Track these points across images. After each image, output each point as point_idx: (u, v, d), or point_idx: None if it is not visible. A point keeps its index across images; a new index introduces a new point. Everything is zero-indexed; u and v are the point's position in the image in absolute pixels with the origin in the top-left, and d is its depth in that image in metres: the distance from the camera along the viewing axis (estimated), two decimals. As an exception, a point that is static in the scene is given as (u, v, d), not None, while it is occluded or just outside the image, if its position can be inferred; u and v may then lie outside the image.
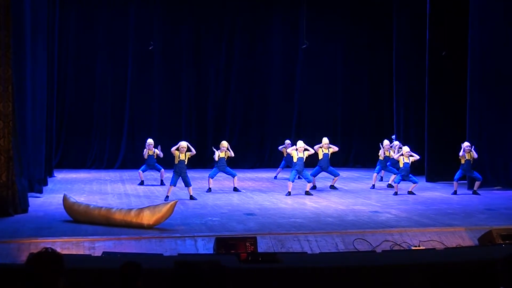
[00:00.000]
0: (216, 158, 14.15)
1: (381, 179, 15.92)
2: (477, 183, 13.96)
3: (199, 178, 16.38)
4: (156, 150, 15.08)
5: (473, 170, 13.97)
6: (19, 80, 11.40)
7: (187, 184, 12.86)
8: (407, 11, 18.06)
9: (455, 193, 13.88)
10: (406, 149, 14.09)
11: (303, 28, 19.21)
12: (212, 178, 14.14)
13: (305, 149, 13.73)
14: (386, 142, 15.50)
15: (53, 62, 16.01)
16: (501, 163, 15.10)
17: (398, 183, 13.88)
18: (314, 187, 14.37)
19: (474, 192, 13.90)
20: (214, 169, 14.30)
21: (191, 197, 12.71)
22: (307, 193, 13.49)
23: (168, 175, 16.32)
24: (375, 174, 15.22)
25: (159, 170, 15.33)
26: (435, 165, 16.20)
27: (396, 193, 13.68)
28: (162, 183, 15.15)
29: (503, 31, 14.93)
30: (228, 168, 14.31)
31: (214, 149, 14.35)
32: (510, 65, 14.91)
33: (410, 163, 13.93)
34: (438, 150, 16.07)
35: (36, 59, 13.14)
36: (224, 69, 20.23)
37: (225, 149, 14.17)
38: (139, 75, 19.64)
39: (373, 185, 15.02)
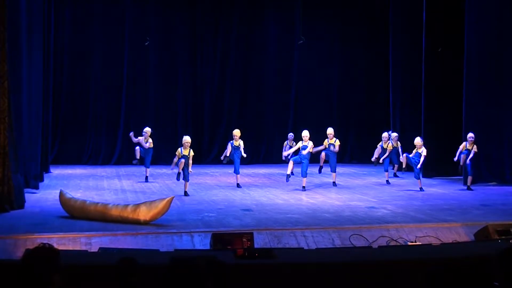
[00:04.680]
0: (230, 148, 13.98)
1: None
2: (469, 178, 14.03)
3: (195, 174, 16.37)
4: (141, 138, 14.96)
5: (469, 161, 13.98)
6: (14, 76, 11.37)
7: (185, 178, 12.83)
8: (403, 6, 18.04)
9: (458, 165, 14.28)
10: (418, 140, 14.07)
11: (299, 24, 19.19)
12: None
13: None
14: (385, 134, 15.55)
15: (49, 57, 15.97)
16: (496, 159, 15.13)
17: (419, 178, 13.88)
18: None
19: (468, 188, 13.94)
20: (235, 160, 14.02)
21: (185, 193, 12.69)
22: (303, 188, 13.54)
23: (158, 170, 16.34)
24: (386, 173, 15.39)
25: (147, 166, 15.13)
26: (431, 161, 16.20)
27: (421, 189, 13.75)
28: (146, 180, 15.03)
29: (499, 27, 14.95)
30: (239, 161, 14.10)
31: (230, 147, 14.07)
32: (506, 61, 14.95)
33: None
34: (435, 146, 16.06)
35: (32, 55, 13.10)
36: (220, 65, 20.21)
37: (238, 137, 14.06)
38: (135, 71, 19.61)
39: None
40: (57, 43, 18.26)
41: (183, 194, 12.66)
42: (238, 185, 14.08)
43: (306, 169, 13.61)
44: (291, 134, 17.09)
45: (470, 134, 14.00)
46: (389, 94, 18.86)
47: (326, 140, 14.42)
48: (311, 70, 20.79)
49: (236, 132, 14.20)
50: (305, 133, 13.71)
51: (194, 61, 20.04)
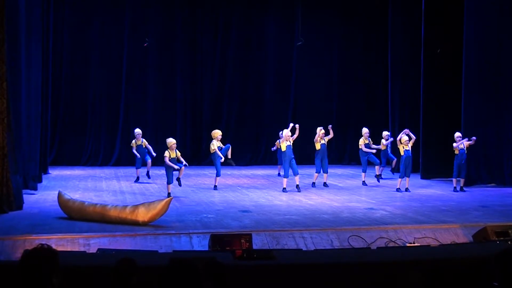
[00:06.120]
0: (215, 148, 13.79)
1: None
2: (462, 180, 13.98)
3: (194, 175, 16.40)
4: (145, 142, 14.98)
5: (464, 164, 13.91)
6: (13, 77, 11.36)
7: (170, 181, 12.85)
8: (403, 7, 18.06)
9: (455, 189, 13.94)
10: (405, 138, 14.01)
11: (298, 25, 19.21)
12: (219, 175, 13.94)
13: (293, 130, 13.67)
14: (365, 130, 15.40)
15: (47, 58, 15.96)
16: (495, 160, 15.14)
17: (403, 178, 13.84)
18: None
19: (461, 189, 13.93)
20: (216, 164, 13.84)
21: (178, 180, 12.86)
22: (297, 187, 13.58)
23: (156, 171, 16.33)
24: (377, 167, 15.38)
25: (146, 161, 15.01)
26: (430, 163, 16.24)
27: (398, 189, 13.77)
28: (148, 175, 15.01)
29: (498, 28, 14.97)
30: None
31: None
32: (504, 62, 14.96)
33: (410, 149, 13.84)
34: (433, 148, 16.10)
35: (31, 56, 13.10)
36: (220, 66, 20.21)
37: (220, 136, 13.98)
38: (134, 72, 19.60)
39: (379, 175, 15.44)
40: (56, 44, 18.24)
41: (182, 195, 12.65)
42: (215, 187, 13.93)
43: (295, 166, 13.63)
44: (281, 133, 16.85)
45: (458, 134, 13.92)
46: (388, 95, 18.87)
47: (318, 142, 14.40)
48: (310, 71, 20.80)
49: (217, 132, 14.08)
50: (286, 132, 13.68)
51: (193, 62, 20.04)
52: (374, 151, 15.22)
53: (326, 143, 14.49)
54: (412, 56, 17.31)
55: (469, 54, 14.91)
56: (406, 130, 14.11)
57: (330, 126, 14.58)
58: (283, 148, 13.61)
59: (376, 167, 15.45)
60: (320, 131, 14.30)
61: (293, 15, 19.92)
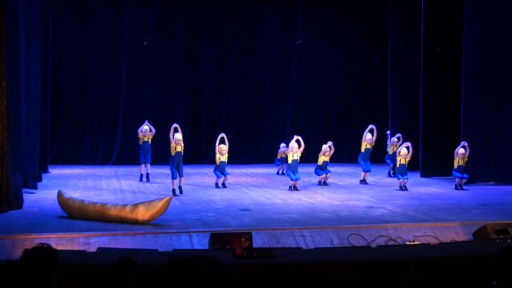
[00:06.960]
0: (217, 162, 13.88)
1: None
2: (463, 179, 14.06)
3: (194, 174, 16.40)
4: (149, 132, 14.93)
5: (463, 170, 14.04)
6: (13, 76, 11.34)
7: (180, 174, 12.81)
8: (402, 5, 18.05)
9: (456, 187, 13.99)
10: (404, 150, 14.06)
11: (297, 23, 19.18)
12: (220, 177, 13.97)
13: (298, 142, 13.72)
14: (369, 136, 15.41)
15: (47, 57, 15.95)
16: (495, 158, 15.15)
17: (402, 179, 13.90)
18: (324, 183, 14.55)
19: (461, 187, 13.96)
20: (216, 171, 14.01)
21: (179, 188, 12.70)
22: (294, 187, 13.57)
23: (156, 170, 16.34)
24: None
25: (147, 163, 15.01)
26: (429, 161, 16.24)
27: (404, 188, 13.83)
28: (147, 178, 15.00)
29: (498, 26, 14.96)
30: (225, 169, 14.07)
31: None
32: (505, 61, 14.96)
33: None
34: (433, 146, 16.10)
35: (30, 55, 13.08)
36: (219, 65, 20.18)
37: (226, 152, 13.95)
38: (133, 70, 19.58)
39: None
40: (56, 43, 18.23)
41: (182, 194, 12.64)
42: (224, 185, 14.00)
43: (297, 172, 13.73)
44: (283, 144, 16.75)
45: (461, 151, 13.88)
46: (388, 94, 18.86)
47: (322, 157, 14.42)
48: (309, 70, 20.77)
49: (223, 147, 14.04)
50: (295, 145, 13.74)
51: (193, 62, 20.01)
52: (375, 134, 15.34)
53: (328, 160, 14.51)
54: (412, 55, 17.29)
55: (469, 52, 14.89)
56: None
57: (331, 142, 14.59)
58: (289, 161, 13.70)
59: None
60: (324, 149, 14.42)
61: (292, 14, 19.88)
